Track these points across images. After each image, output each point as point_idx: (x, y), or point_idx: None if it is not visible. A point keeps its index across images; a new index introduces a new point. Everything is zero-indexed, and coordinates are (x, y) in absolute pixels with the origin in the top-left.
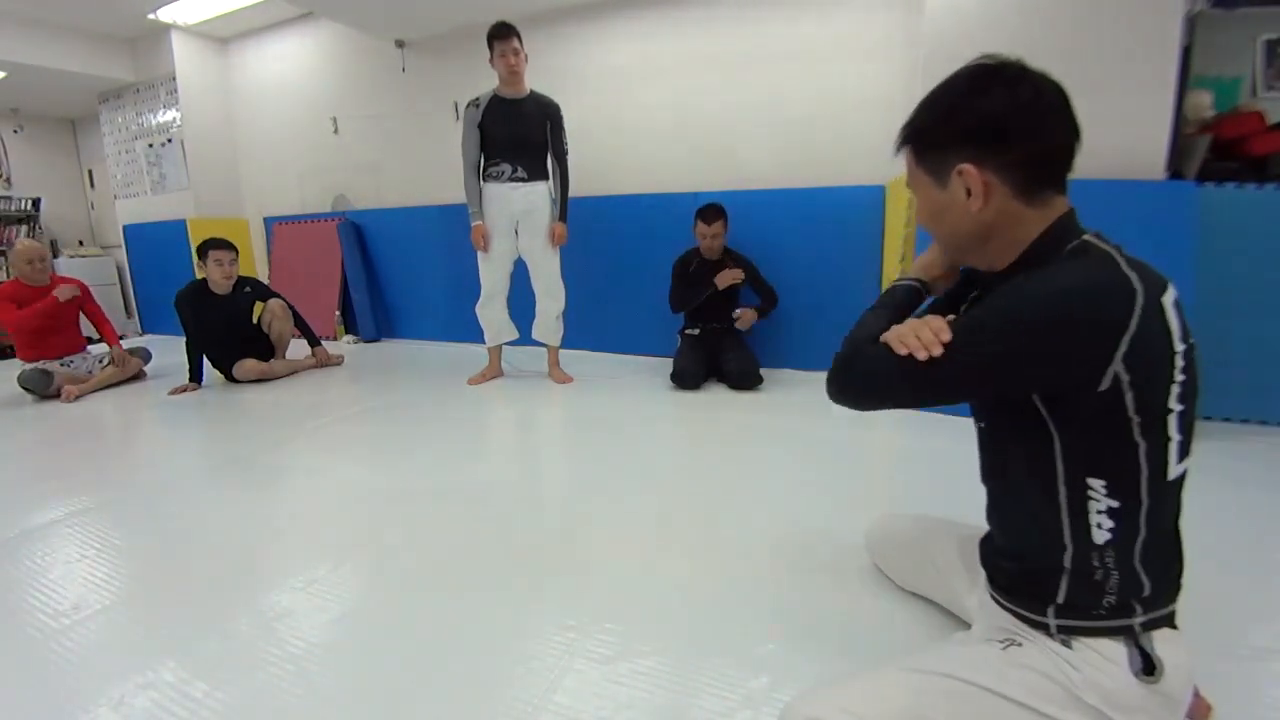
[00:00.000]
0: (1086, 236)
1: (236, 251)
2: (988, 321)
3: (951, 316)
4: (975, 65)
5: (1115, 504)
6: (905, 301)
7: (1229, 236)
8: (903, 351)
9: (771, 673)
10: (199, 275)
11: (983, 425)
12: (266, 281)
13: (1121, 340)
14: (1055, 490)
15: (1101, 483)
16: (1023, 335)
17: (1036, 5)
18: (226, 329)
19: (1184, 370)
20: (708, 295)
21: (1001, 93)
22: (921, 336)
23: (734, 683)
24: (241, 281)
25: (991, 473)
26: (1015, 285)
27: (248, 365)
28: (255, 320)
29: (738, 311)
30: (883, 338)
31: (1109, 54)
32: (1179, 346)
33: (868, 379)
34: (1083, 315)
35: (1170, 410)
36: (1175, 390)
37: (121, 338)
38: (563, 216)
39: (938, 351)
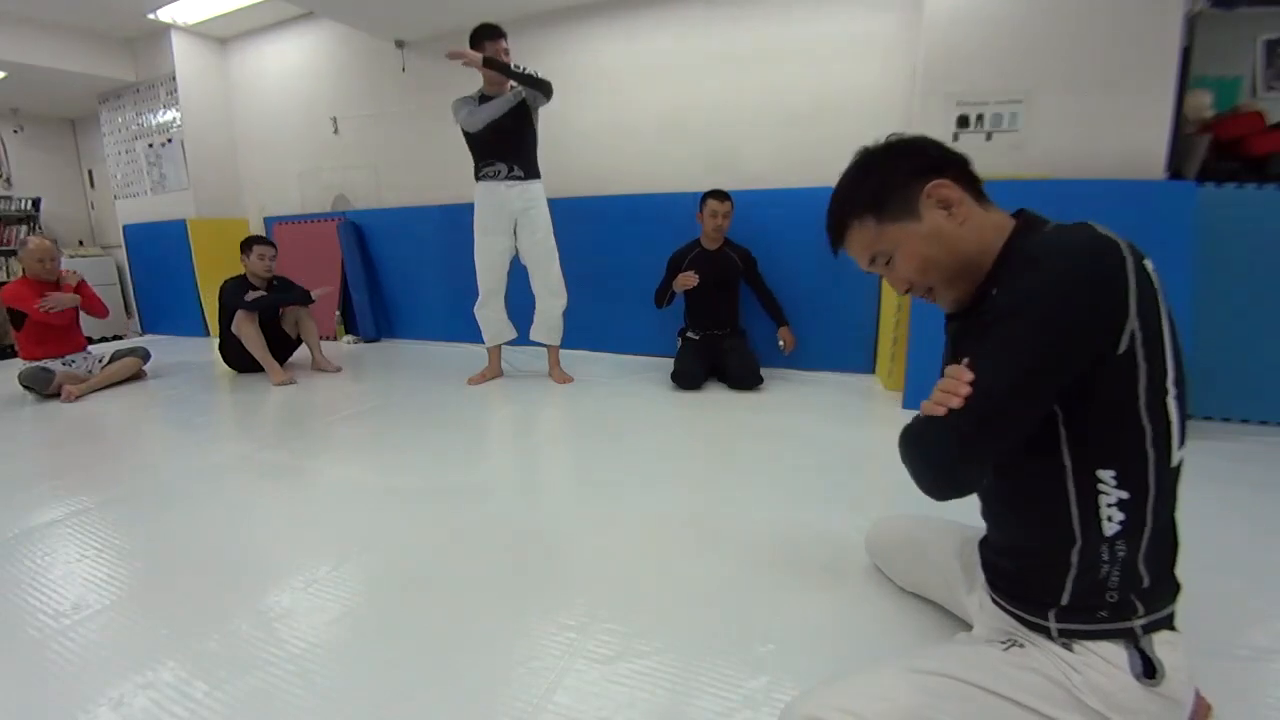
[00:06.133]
0: (1049, 227)
1: (277, 249)
2: (1008, 333)
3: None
4: (879, 142)
5: (1125, 495)
6: None
7: (1229, 236)
8: (940, 412)
9: (771, 673)
10: (240, 270)
11: None
12: None
13: (1129, 288)
14: (1064, 486)
15: (1111, 473)
16: (1052, 318)
17: (1036, 5)
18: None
19: (1172, 338)
20: (704, 296)
21: (919, 138)
22: (945, 387)
23: (734, 683)
24: (274, 279)
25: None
26: (1012, 291)
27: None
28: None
29: (781, 341)
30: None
31: (1109, 54)
32: (1164, 306)
33: (946, 458)
34: (1090, 271)
35: (1168, 391)
36: (1170, 363)
37: (121, 337)
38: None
39: (965, 391)
